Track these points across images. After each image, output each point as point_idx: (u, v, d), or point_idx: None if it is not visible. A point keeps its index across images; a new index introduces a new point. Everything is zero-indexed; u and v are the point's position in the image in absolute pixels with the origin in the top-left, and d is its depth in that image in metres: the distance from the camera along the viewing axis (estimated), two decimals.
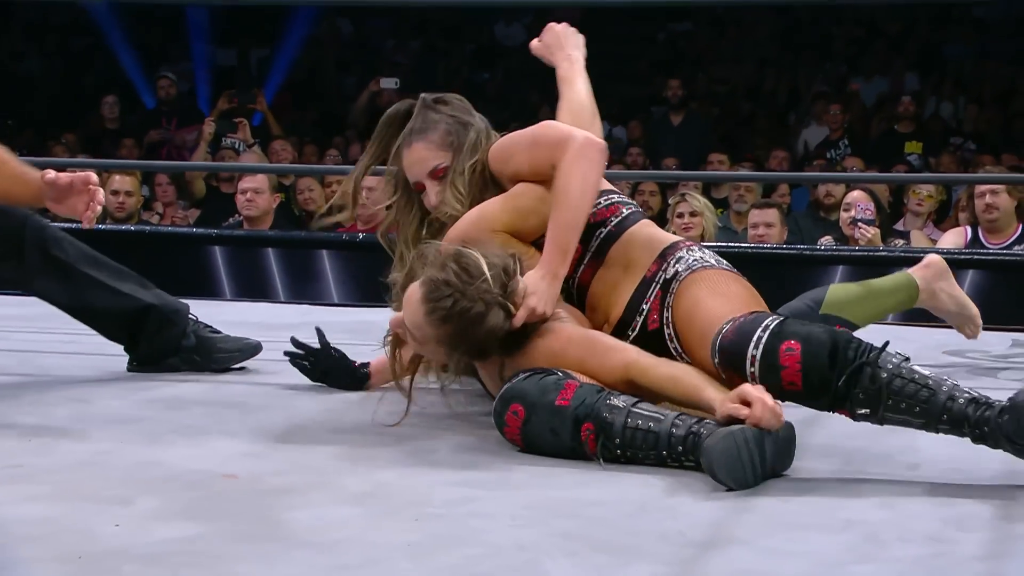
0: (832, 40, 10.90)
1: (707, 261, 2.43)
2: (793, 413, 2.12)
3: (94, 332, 3.01)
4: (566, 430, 2.16)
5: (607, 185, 2.60)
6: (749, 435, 2.02)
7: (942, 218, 6.61)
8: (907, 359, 2.09)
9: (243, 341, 3.04)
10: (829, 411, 2.11)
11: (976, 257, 4.68)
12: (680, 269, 2.41)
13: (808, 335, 2.09)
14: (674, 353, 2.37)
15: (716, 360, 2.18)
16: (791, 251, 4.93)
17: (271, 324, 3.48)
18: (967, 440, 2.06)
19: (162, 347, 2.99)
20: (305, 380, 2.83)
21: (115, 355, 3.02)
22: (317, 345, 2.79)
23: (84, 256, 2.93)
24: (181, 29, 11.16)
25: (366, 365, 2.79)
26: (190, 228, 6.30)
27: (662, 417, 2.13)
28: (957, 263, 4.16)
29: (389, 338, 2.48)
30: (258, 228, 5.68)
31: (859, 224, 5.17)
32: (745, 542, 1.77)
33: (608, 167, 2.85)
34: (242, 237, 5.48)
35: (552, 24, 2.93)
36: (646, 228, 2.56)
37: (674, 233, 2.89)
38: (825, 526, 1.83)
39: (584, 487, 2.03)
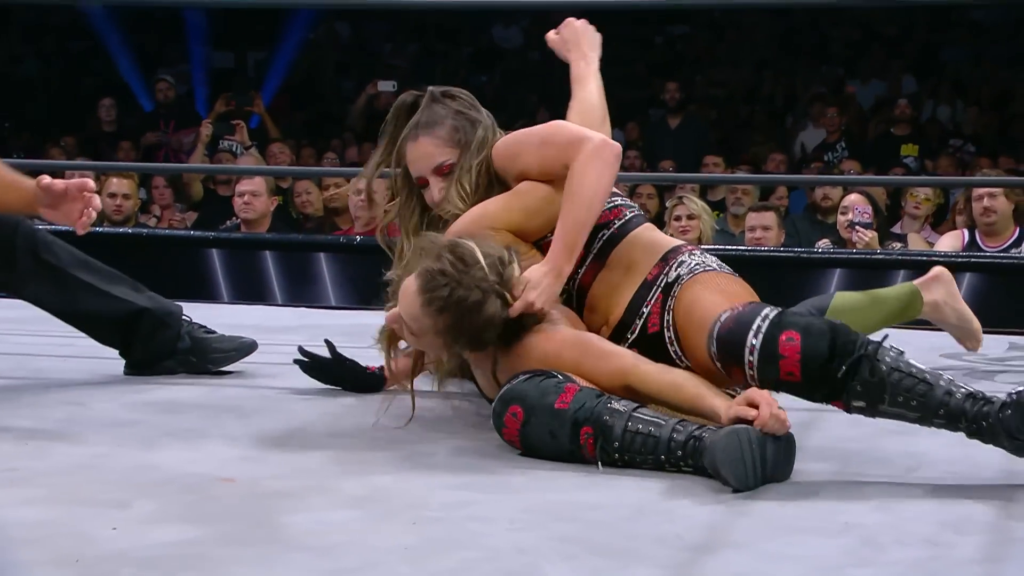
0: (829, 43, 10.92)
1: (709, 265, 2.43)
2: (791, 416, 2.12)
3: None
4: (565, 433, 2.16)
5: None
6: (753, 435, 2.03)
7: (939, 221, 6.61)
8: (903, 353, 2.09)
9: (238, 340, 3.04)
10: (824, 403, 2.11)
11: (973, 260, 4.68)
12: (682, 273, 2.41)
13: (808, 326, 2.09)
14: (674, 356, 2.37)
15: (713, 349, 2.16)
16: (788, 254, 4.92)
17: (268, 327, 3.48)
18: (961, 435, 2.06)
19: (157, 350, 2.98)
20: (302, 383, 2.82)
21: (111, 358, 3.02)
22: (326, 354, 2.79)
23: (76, 260, 2.92)
24: (179, 32, 11.17)
25: (380, 369, 2.77)
26: (187, 231, 6.30)
27: (663, 422, 2.13)
28: (954, 266, 4.16)
29: (383, 335, 2.47)
30: (255, 231, 5.67)
31: (856, 227, 5.17)
32: (743, 546, 1.77)
33: None
34: (239, 240, 5.48)
35: (571, 19, 2.90)
36: (648, 232, 2.56)
37: (671, 236, 2.89)
38: (823, 529, 1.83)
39: (582, 491, 2.03)
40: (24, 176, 2.61)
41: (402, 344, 2.54)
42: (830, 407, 2.13)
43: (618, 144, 2.47)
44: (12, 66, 11.76)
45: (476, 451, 2.29)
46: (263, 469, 2.16)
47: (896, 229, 6.24)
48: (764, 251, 5.06)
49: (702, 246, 3.92)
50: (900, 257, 4.75)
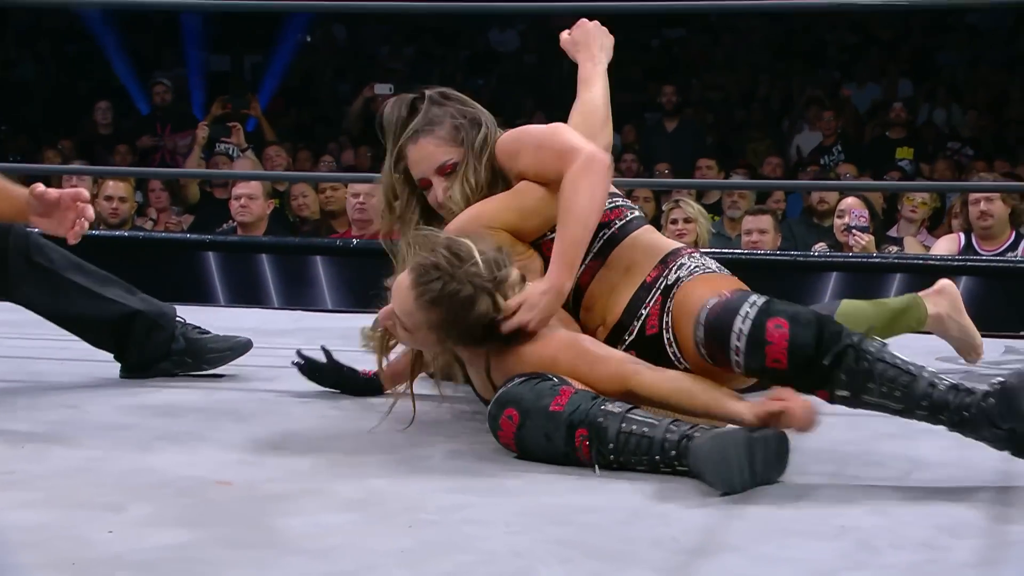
0: (826, 47, 10.93)
1: (709, 268, 2.44)
2: None
3: None
4: (560, 436, 2.16)
5: (612, 188, 2.59)
6: (739, 438, 2.02)
7: (936, 225, 6.62)
8: (886, 344, 2.10)
9: (233, 339, 3.03)
10: (808, 392, 2.11)
11: (970, 264, 4.68)
12: (682, 275, 2.41)
13: (795, 314, 2.09)
14: (673, 358, 2.37)
15: (700, 334, 2.15)
16: (785, 257, 4.93)
17: (265, 330, 3.47)
18: (958, 438, 2.06)
19: (152, 352, 2.98)
20: (299, 387, 2.82)
21: (107, 361, 3.02)
22: (322, 359, 2.79)
23: (68, 263, 2.92)
24: (175, 35, 11.17)
25: (376, 374, 2.75)
26: (184, 234, 6.29)
27: (656, 423, 2.13)
28: (951, 270, 4.17)
29: (375, 335, 2.47)
30: (252, 234, 5.67)
31: (853, 231, 5.18)
32: (738, 549, 1.77)
33: None
34: (236, 243, 5.47)
35: (584, 21, 2.89)
36: (649, 234, 2.56)
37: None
38: (818, 532, 1.83)
39: (577, 493, 2.03)
40: (16, 184, 2.60)
41: (396, 350, 2.53)
42: (825, 405, 2.12)
43: (608, 156, 2.48)
44: (8, 69, 11.76)
45: (472, 454, 2.29)
46: (259, 472, 2.16)
47: (892, 233, 6.25)
48: (760, 255, 5.07)
49: (700, 250, 3.92)
50: (896, 261, 4.75)
